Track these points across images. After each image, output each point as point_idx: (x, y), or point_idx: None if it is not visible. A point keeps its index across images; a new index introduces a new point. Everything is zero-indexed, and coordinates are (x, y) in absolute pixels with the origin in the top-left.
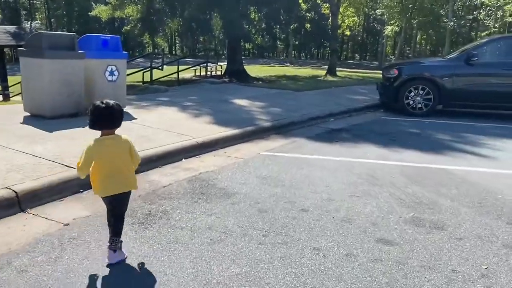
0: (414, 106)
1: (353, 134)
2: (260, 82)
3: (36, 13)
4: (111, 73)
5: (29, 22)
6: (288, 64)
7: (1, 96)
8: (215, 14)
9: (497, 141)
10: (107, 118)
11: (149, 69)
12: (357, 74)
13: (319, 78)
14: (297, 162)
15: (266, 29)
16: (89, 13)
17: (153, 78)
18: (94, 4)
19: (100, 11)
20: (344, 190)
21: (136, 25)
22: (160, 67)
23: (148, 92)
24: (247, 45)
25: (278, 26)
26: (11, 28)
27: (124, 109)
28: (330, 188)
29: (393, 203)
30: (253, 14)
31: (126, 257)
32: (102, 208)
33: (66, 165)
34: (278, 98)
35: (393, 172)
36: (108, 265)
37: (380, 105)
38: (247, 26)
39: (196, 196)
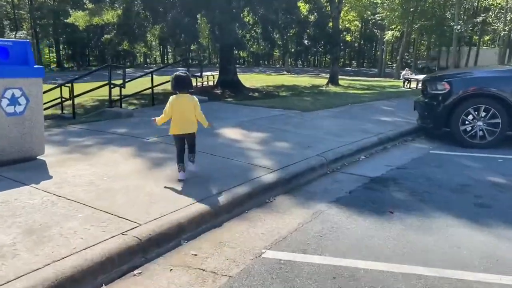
0: (474, 134)
1: (408, 191)
2: (256, 93)
3: (23, 23)
4: (13, 101)
5: (13, 33)
6: (285, 73)
7: None
8: (202, 17)
9: None
10: (180, 84)
11: (113, 83)
12: (360, 82)
13: (321, 88)
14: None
15: (263, 33)
16: (65, 20)
17: (126, 94)
18: (71, 11)
19: (76, 17)
20: None
21: (116, 32)
22: (122, 85)
23: (103, 119)
24: (241, 53)
25: (277, 30)
26: None
27: (44, 158)
28: None
29: None
30: (247, 16)
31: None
32: None
33: None
34: (282, 123)
35: None
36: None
37: (418, 128)
38: (240, 31)
39: None
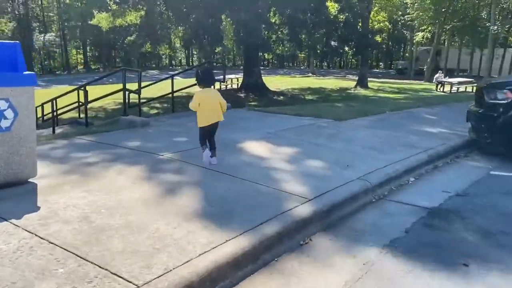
0: None
1: (479, 231)
2: (281, 97)
3: (52, 26)
4: None
5: (42, 35)
6: (310, 74)
7: None
8: (227, 18)
9: None
10: (205, 79)
11: (128, 89)
12: (390, 85)
13: (349, 91)
14: None
15: (290, 34)
16: (89, 21)
17: (149, 97)
18: (95, 12)
19: (100, 19)
20: None
21: (138, 34)
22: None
23: (116, 128)
24: (266, 55)
25: (304, 31)
26: None
27: (36, 182)
28: None
29: None
30: (273, 16)
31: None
32: None
33: None
34: (313, 134)
35: None
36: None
37: (470, 142)
38: (265, 32)
39: None
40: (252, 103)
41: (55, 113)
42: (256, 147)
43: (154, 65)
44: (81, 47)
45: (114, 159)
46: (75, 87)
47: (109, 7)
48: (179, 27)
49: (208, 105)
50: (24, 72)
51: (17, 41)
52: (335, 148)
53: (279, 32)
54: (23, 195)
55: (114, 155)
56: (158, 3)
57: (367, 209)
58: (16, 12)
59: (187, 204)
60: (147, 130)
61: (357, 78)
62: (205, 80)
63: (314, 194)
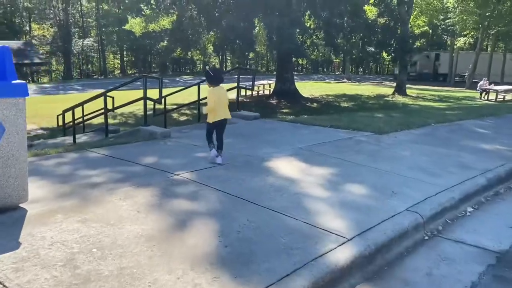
0: None
1: None
2: (315, 104)
3: (91, 31)
4: None
5: (81, 40)
6: (345, 80)
7: None
8: (259, 21)
9: None
10: (214, 79)
11: (148, 98)
12: (430, 92)
13: (386, 98)
14: None
15: (325, 38)
16: (123, 27)
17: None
18: (129, 17)
19: (133, 24)
20: None
21: (169, 39)
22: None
23: (135, 140)
24: (300, 60)
25: (341, 35)
26: (16, 43)
27: (27, 207)
28: None
29: None
30: (308, 20)
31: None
32: None
33: None
34: (352, 151)
35: None
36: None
37: None
38: (300, 37)
39: None
40: (284, 110)
41: (77, 120)
42: (285, 166)
43: (188, 71)
44: (118, 52)
45: (123, 179)
46: (98, 92)
47: (142, 12)
48: (211, 32)
49: (219, 103)
50: (13, 81)
51: (6, 45)
52: (378, 169)
53: (314, 37)
54: (6, 226)
55: (123, 174)
56: (190, 7)
57: (419, 251)
58: (57, 18)
59: (197, 243)
60: (167, 142)
61: (394, 84)
62: (215, 79)
63: (354, 232)
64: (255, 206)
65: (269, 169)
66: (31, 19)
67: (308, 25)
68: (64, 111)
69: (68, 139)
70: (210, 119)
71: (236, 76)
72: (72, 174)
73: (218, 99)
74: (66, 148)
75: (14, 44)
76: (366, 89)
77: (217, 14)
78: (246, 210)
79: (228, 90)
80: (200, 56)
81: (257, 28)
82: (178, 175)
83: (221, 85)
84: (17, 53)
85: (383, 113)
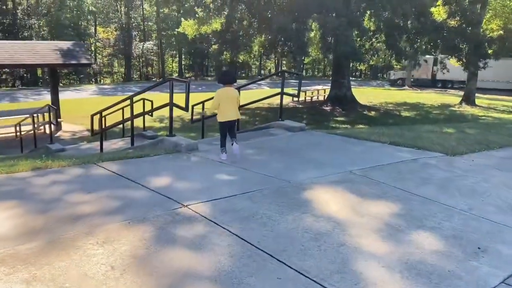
0: None
1: None
2: (373, 112)
3: (152, 34)
4: None
5: (142, 43)
6: (405, 87)
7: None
8: (313, 22)
9: None
10: (225, 78)
11: (175, 104)
12: (503, 103)
13: (452, 108)
14: None
15: (387, 41)
16: (176, 30)
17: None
18: (183, 19)
19: (186, 26)
20: None
21: (216, 41)
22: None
23: (154, 153)
24: (358, 65)
25: (405, 38)
26: (66, 44)
27: None
28: None
29: None
30: (368, 21)
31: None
32: None
33: None
34: (418, 179)
35: None
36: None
37: None
38: (358, 39)
39: None
40: (338, 118)
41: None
42: (329, 199)
43: (243, 75)
44: (176, 56)
45: (117, 209)
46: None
47: (196, 15)
48: (262, 34)
49: (226, 103)
50: None
51: None
52: (453, 208)
53: (374, 39)
54: None
55: (120, 202)
56: (240, 8)
57: None
58: (120, 22)
59: None
60: (191, 157)
61: (460, 93)
62: (223, 79)
63: None
64: (279, 266)
65: (307, 202)
66: (97, 23)
67: (367, 26)
68: (98, 113)
69: (103, 144)
70: (218, 118)
71: (293, 81)
72: (59, 200)
73: (224, 100)
74: (73, 161)
75: (64, 44)
76: (429, 97)
77: (269, 15)
78: (266, 273)
79: (270, 96)
80: (250, 59)
81: (314, 31)
82: (186, 206)
83: (232, 87)
84: (65, 54)
85: (452, 127)
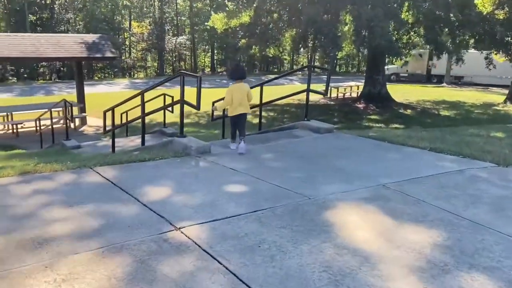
0: None
1: None
2: (409, 111)
3: (185, 29)
4: None
5: (175, 38)
6: (444, 84)
7: (77, 120)
8: (347, 14)
9: None
10: (236, 74)
11: (186, 102)
12: None
13: (496, 107)
14: None
15: (426, 34)
16: (206, 23)
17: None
18: (213, 13)
19: (215, 20)
20: None
21: (243, 35)
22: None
23: (161, 156)
24: (394, 60)
25: (447, 31)
26: (91, 37)
27: None
28: None
29: None
30: (405, 13)
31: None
32: None
33: None
34: (466, 198)
35: None
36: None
37: None
38: (394, 32)
39: None
40: (371, 117)
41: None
42: (356, 223)
43: (276, 70)
44: (209, 50)
45: (95, 231)
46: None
47: (226, 8)
48: (292, 27)
49: (238, 98)
50: None
51: None
52: None
53: (412, 32)
54: None
55: (102, 220)
56: (269, 0)
57: None
58: (154, 16)
59: None
60: (199, 162)
61: (505, 91)
62: (235, 75)
63: None
64: None
65: (329, 226)
66: (131, 17)
67: (404, 17)
68: (110, 110)
69: (121, 141)
70: (229, 113)
71: (326, 76)
72: (32, 216)
73: (235, 95)
74: (68, 165)
75: (90, 37)
76: (470, 95)
77: (300, 7)
78: None
79: (295, 93)
80: (281, 54)
81: (347, 24)
82: (179, 229)
83: (243, 82)
84: (90, 47)
85: (500, 130)
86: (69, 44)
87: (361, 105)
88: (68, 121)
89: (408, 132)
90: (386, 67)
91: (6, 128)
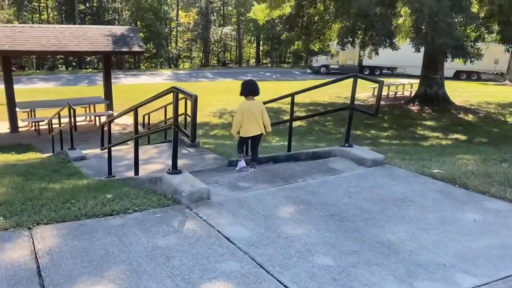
0: None
1: None
2: (470, 116)
3: (231, 19)
4: None
5: (220, 28)
6: (507, 82)
7: (104, 117)
8: (403, 6)
9: None
10: (247, 90)
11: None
12: None
13: None
14: None
15: (501, 30)
16: (247, 14)
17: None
18: (255, 4)
19: (256, 10)
20: None
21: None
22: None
23: (132, 208)
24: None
25: None
26: (119, 29)
27: None
28: None
29: None
30: (476, 5)
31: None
32: None
33: None
34: None
35: None
36: None
37: None
38: (461, 28)
39: None
40: (427, 123)
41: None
42: None
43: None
44: (254, 41)
45: None
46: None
47: None
48: (339, 20)
49: (249, 117)
50: None
51: None
52: None
53: (483, 29)
54: None
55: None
56: None
57: None
58: (200, 6)
59: None
60: (185, 222)
61: None
62: (245, 91)
63: None
64: None
65: None
66: (179, 7)
67: (475, 10)
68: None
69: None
70: (241, 133)
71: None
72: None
73: (246, 114)
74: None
75: (118, 30)
76: None
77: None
78: None
79: (334, 110)
80: (326, 49)
81: (402, 16)
82: None
83: (256, 100)
84: (117, 40)
85: None
86: (94, 36)
87: (414, 108)
88: (95, 118)
89: (484, 166)
90: (315, 58)
91: (30, 125)
